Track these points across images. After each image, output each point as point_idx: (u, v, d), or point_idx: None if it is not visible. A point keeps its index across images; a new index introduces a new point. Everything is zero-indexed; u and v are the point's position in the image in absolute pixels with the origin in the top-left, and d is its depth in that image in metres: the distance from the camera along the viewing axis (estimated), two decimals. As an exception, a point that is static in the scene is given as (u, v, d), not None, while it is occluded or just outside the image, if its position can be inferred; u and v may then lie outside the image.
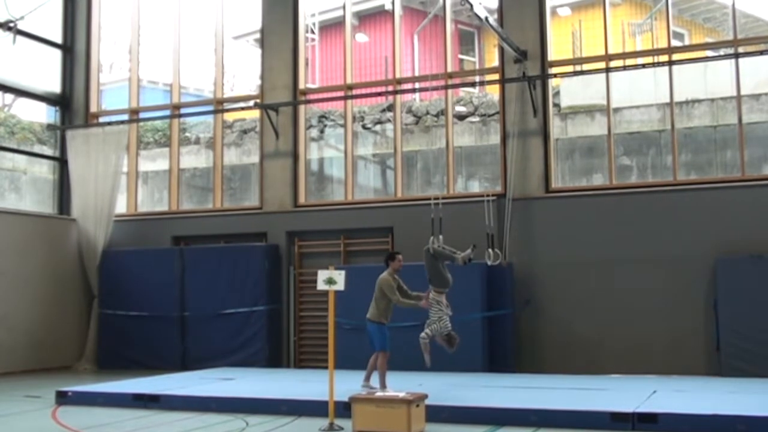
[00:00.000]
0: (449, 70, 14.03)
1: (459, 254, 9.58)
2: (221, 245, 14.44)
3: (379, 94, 14.55)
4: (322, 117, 15.80)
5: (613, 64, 13.01)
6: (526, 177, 12.78)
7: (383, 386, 9.20)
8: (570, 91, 14.28)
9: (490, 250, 11.43)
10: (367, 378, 9.58)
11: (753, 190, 11.65)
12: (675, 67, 12.54)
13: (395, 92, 14.18)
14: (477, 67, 17.73)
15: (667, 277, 11.74)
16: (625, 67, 13.29)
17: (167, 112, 16.09)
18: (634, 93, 13.51)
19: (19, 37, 13.55)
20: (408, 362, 11.82)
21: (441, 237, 10.28)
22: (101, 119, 15.99)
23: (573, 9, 16.05)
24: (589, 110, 13.79)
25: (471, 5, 11.00)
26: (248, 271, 13.73)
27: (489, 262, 11.42)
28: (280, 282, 13.99)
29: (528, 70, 12.85)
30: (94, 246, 14.95)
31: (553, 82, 13.43)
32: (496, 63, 14.19)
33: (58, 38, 16.05)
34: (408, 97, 15.25)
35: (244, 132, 16.35)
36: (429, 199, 13.67)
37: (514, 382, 10.50)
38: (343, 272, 8.06)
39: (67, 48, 16.13)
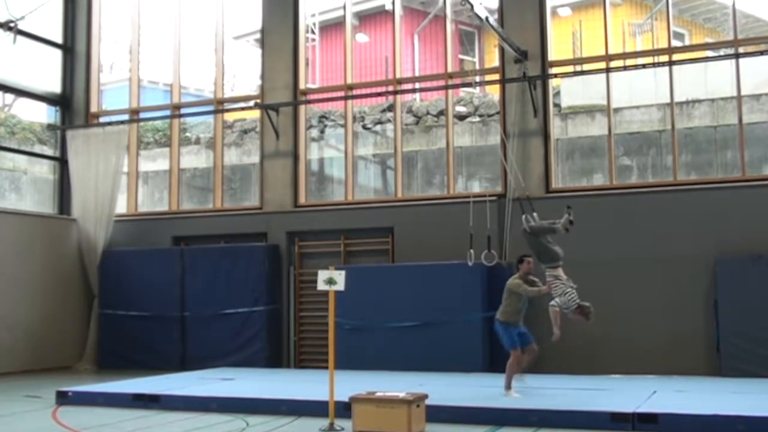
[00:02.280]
0: (449, 70, 14.04)
1: (558, 223, 9.51)
2: (221, 245, 14.44)
3: (380, 94, 14.55)
4: (323, 117, 15.80)
5: (613, 64, 13.01)
6: (526, 177, 12.77)
7: (507, 387, 9.14)
8: (570, 91, 14.28)
9: (486, 251, 11.42)
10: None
11: (753, 190, 11.65)
12: (675, 68, 12.54)
13: (395, 92, 14.18)
14: (477, 67, 17.72)
15: (667, 277, 11.74)
16: (625, 68, 13.29)
17: (167, 112, 16.09)
18: (634, 93, 13.51)
19: (19, 37, 13.54)
20: (408, 362, 11.84)
21: (535, 214, 10.06)
22: (101, 119, 16.00)
23: (573, 9, 16.04)
24: (590, 110, 13.79)
25: (471, 5, 11.00)
26: (248, 271, 13.74)
27: (486, 263, 11.42)
28: (280, 282, 13.99)
29: (528, 71, 12.85)
30: (94, 246, 14.95)
31: (553, 83, 13.43)
32: (496, 63, 14.19)
33: (59, 38, 16.05)
34: (408, 97, 15.25)
35: (245, 132, 16.35)
36: (429, 199, 13.70)
37: (514, 382, 10.48)
38: (343, 272, 8.06)
39: (68, 48, 16.13)
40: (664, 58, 12.66)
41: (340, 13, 15.02)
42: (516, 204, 12.57)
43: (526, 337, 9.46)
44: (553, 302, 9.18)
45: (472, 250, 11.27)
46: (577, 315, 9.20)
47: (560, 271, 9.34)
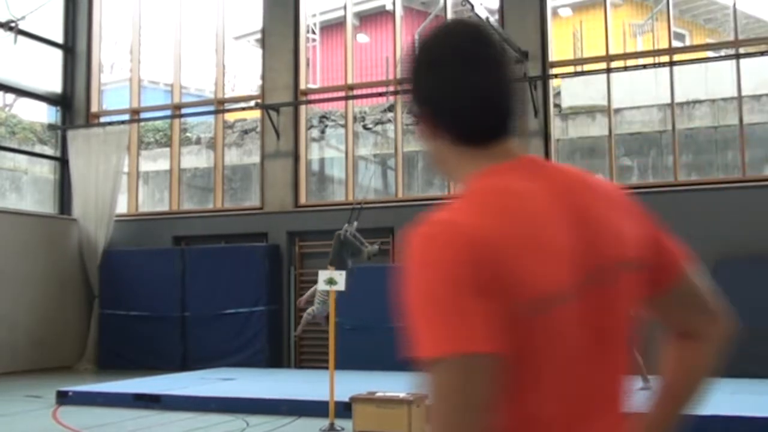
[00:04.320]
0: (450, 70, 14.02)
1: (366, 248, 9.76)
2: (222, 245, 14.44)
3: (380, 94, 14.55)
4: (323, 117, 15.81)
5: (614, 64, 13.01)
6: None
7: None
8: (571, 91, 14.29)
9: None
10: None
11: (754, 191, 11.65)
12: (676, 68, 12.54)
13: (396, 92, 14.18)
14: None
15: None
16: (626, 68, 13.30)
17: (168, 112, 16.10)
18: (635, 94, 13.52)
19: (20, 37, 13.56)
20: (407, 362, 11.84)
21: (355, 224, 10.37)
22: (102, 119, 16.00)
23: (574, 9, 16.06)
24: (590, 111, 13.80)
25: (472, 6, 11.01)
26: (249, 271, 13.74)
27: None
28: (280, 282, 13.99)
29: (529, 71, 12.85)
30: (94, 246, 14.95)
31: (554, 83, 13.44)
32: (496, 63, 14.20)
33: (59, 38, 16.05)
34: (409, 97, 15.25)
35: (245, 132, 16.37)
36: (430, 199, 13.70)
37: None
38: (343, 272, 8.06)
39: (68, 48, 16.13)
40: (665, 58, 12.66)
41: (341, 13, 15.03)
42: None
43: None
44: (310, 309, 9.79)
45: None
46: (323, 321, 9.82)
47: None
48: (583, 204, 1.32)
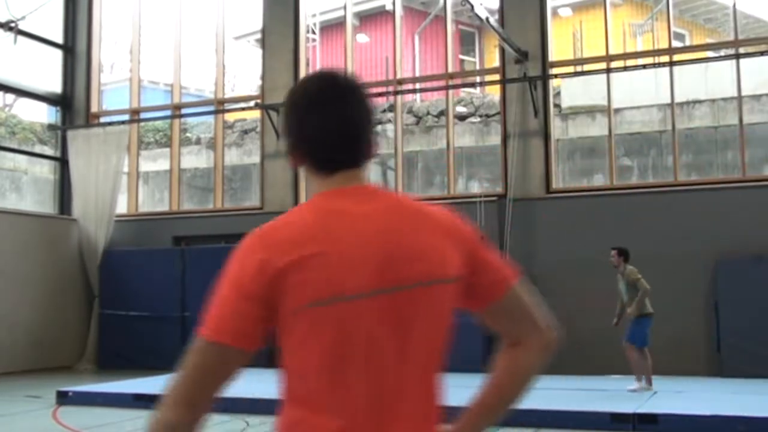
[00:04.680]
0: (450, 70, 14.03)
1: None
2: (222, 245, 14.42)
3: (380, 94, 14.55)
4: (323, 117, 15.82)
5: (613, 64, 13.01)
6: (526, 178, 12.78)
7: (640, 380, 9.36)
8: (571, 91, 14.30)
9: None
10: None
11: (754, 191, 11.65)
12: (676, 68, 12.54)
13: (396, 92, 14.18)
14: (478, 67, 17.74)
15: (667, 278, 11.73)
16: (625, 68, 13.30)
17: (168, 113, 16.10)
18: (634, 94, 13.52)
19: (20, 37, 13.56)
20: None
21: None
22: (102, 119, 15.99)
23: (574, 9, 16.07)
24: (590, 111, 13.80)
25: (472, 6, 11.01)
26: (249, 271, 13.72)
27: None
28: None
29: (529, 71, 12.85)
30: (94, 246, 14.95)
31: (553, 83, 13.43)
32: (496, 63, 14.20)
33: (59, 38, 16.04)
34: (409, 97, 15.26)
35: (245, 132, 16.37)
36: (430, 199, 13.71)
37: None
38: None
39: (68, 48, 16.13)
40: (665, 58, 12.66)
41: (341, 13, 15.03)
42: (516, 204, 12.59)
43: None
44: None
45: None
46: None
47: None
48: (397, 228, 1.55)
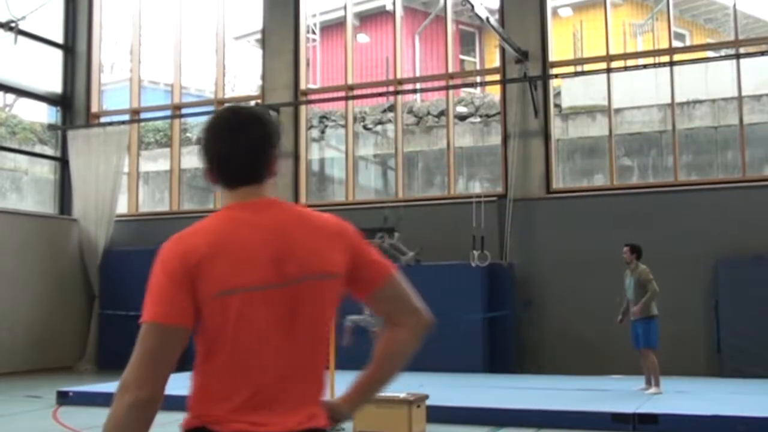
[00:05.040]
0: (450, 70, 14.03)
1: (406, 255, 9.61)
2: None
3: (380, 94, 14.56)
4: (323, 117, 15.81)
5: (614, 64, 13.01)
6: (527, 178, 12.78)
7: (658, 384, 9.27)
8: (571, 91, 14.29)
9: (479, 252, 11.49)
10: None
11: (754, 191, 11.65)
12: (676, 68, 12.54)
13: (396, 93, 14.18)
14: (478, 67, 17.74)
15: (667, 277, 11.70)
16: (626, 68, 13.30)
17: (168, 113, 16.10)
18: (635, 94, 13.52)
19: (20, 37, 13.56)
20: (408, 363, 11.84)
21: (397, 235, 10.22)
22: (102, 119, 16.00)
23: (574, 9, 16.06)
24: (590, 111, 13.80)
25: (472, 6, 11.01)
26: (249, 271, 13.71)
27: (479, 264, 11.47)
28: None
29: (529, 71, 12.85)
30: (95, 246, 14.95)
31: (554, 83, 13.43)
32: (497, 63, 14.20)
33: (60, 38, 16.05)
34: (409, 97, 15.25)
35: (245, 132, 16.36)
36: (430, 199, 13.71)
37: (514, 382, 10.50)
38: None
39: (69, 48, 16.13)
40: (665, 58, 12.66)
41: (341, 13, 15.03)
42: (517, 204, 12.59)
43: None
44: (352, 317, 9.41)
45: (475, 251, 11.37)
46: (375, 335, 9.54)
47: None
48: (287, 233, 1.91)
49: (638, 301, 9.23)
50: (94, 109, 16.06)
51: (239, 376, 1.85)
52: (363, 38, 17.80)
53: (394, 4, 14.49)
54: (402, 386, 8.58)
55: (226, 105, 2.17)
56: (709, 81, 13.18)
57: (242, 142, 1.95)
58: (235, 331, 1.84)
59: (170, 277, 1.85)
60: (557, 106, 13.79)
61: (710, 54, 14.08)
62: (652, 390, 9.15)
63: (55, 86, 16.02)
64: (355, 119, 14.80)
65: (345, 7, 14.77)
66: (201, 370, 1.91)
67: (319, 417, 1.93)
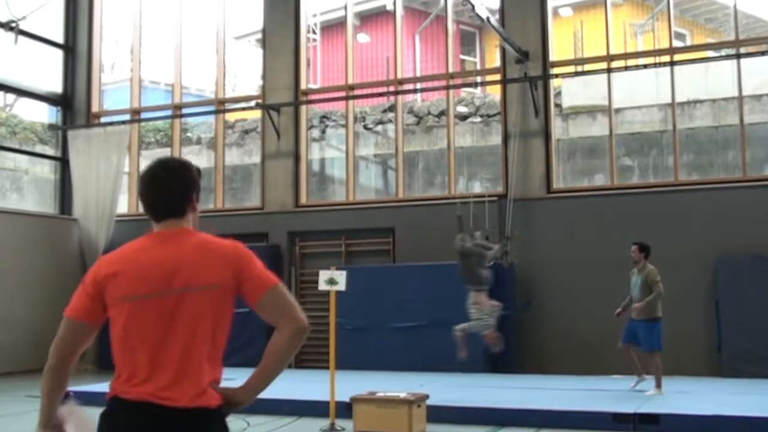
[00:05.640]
0: (450, 70, 14.03)
1: (492, 249, 9.57)
2: (222, 245, 14.41)
3: (381, 94, 14.56)
4: (324, 117, 15.81)
5: (614, 64, 13.00)
6: (527, 178, 12.78)
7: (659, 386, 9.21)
8: (571, 91, 14.29)
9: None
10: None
11: (755, 190, 11.65)
12: (676, 68, 12.54)
13: (397, 93, 14.18)
14: (478, 67, 17.74)
15: (668, 277, 11.66)
16: (626, 68, 13.29)
17: (169, 113, 16.10)
18: (635, 93, 13.51)
19: (20, 37, 13.55)
20: (409, 363, 11.84)
21: (477, 233, 10.18)
22: (103, 119, 16.00)
23: (574, 9, 16.06)
24: (591, 111, 13.79)
25: (472, 6, 11.00)
26: (249, 271, 13.70)
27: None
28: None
29: (529, 71, 12.85)
30: (95, 246, 14.94)
31: (554, 83, 13.43)
32: (497, 63, 14.20)
33: (60, 38, 16.05)
34: (409, 97, 15.25)
35: (246, 132, 16.36)
36: (430, 199, 13.70)
37: (515, 382, 10.50)
38: (344, 273, 8.06)
39: (69, 48, 16.14)
40: (666, 58, 12.65)
41: (342, 13, 15.03)
42: (518, 204, 12.59)
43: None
44: (458, 327, 9.40)
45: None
46: (487, 339, 9.51)
47: (483, 297, 9.38)
48: (179, 256, 2.53)
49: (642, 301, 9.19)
50: (95, 108, 16.07)
51: (126, 359, 2.51)
52: (363, 38, 17.80)
53: (394, 3, 14.49)
54: (402, 386, 8.60)
55: (158, 158, 2.76)
56: (709, 81, 13.18)
57: (160, 188, 2.63)
58: (125, 326, 2.50)
59: (84, 288, 2.59)
60: (557, 105, 13.79)
61: (711, 54, 14.07)
62: (653, 391, 9.13)
63: (56, 86, 16.03)
64: (355, 119, 14.79)
65: (345, 7, 14.77)
66: (114, 354, 2.58)
67: (208, 397, 2.52)
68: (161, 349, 2.46)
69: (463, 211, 10.92)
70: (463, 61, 17.95)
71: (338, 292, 8.07)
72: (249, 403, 2.67)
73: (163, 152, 16.31)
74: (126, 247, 2.63)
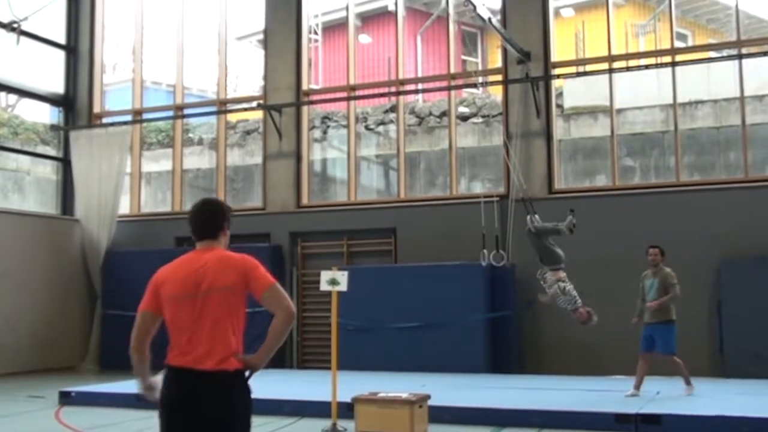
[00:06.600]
0: (452, 71, 14.03)
1: (561, 225, 9.56)
2: (224, 246, 14.41)
3: (382, 95, 14.56)
4: (325, 118, 15.81)
5: (616, 65, 13.00)
6: (529, 178, 12.77)
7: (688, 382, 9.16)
8: (573, 92, 14.29)
9: (494, 251, 11.48)
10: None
11: (756, 191, 11.63)
12: (678, 68, 12.53)
13: (398, 93, 14.19)
14: (480, 68, 17.73)
15: (670, 278, 11.71)
16: (628, 68, 13.28)
17: (170, 113, 16.11)
18: (637, 94, 13.50)
19: (22, 38, 13.57)
20: (411, 363, 11.84)
21: (536, 216, 10.20)
22: (105, 120, 16.02)
23: (576, 10, 16.05)
24: (592, 111, 13.79)
25: (474, 6, 11.00)
26: (251, 271, 13.71)
27: (494, 263, 11.46)
28: (283, 283, 13.91)
29: (531, 71, 12.84)
30: (97, 246, 14.97)
31: (556, 83, 13.42)
32: (499, 64, 14.20)
33: (62, 39, 16.07)
34: (411, 98, 15.26)
35: (247, 133, 16.37)
36: (432, 200, 13.70)
37: (517, 383, 10.50)
38: (346, 273, 8.07)
39: (71, 49, 16.16)
40: (667, 59, 12.65)
41: (343, 14, 15.04)
42: (519, 205, 12.58)
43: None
44: (542, 297, 9.57)
45: (485, 251, 11.37)
46: (578, 316, 9.26)
47: (562, 274, 9.37)
48: (207, 267, 3.62)
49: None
50: (97, 109, 16.09)
51: (175, 339, 3.61)
52: (365, 39, 17.80)
53: (396, 4, 14.50)
54: (404, 386, 8.60)
55: (203, 197, 4.01)
56: (711, 81, 13.17)
57: (200, 216, 3.77)
58: (171, 317, 3.62)
59: (149, 289, 3.72)
60: (559, 106, 13.78)
61: (712, 54, 14.06)
62: (687, 390, 9.07)
63: (58, 87, 16.05)
64: (357, 120, 14.80)
65: (347, 8, 14.78)
66: (169, 335, 3.66)
67: (228, 363, 3.51)
68: (195, 332, 3.54)
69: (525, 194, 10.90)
70: (464, 61, 17.94)
71: (340, 293, 8.08)
72: (261, 366, 3.58)
73: (165, 153, 16.32)
74: (176, 260, 3.73)
